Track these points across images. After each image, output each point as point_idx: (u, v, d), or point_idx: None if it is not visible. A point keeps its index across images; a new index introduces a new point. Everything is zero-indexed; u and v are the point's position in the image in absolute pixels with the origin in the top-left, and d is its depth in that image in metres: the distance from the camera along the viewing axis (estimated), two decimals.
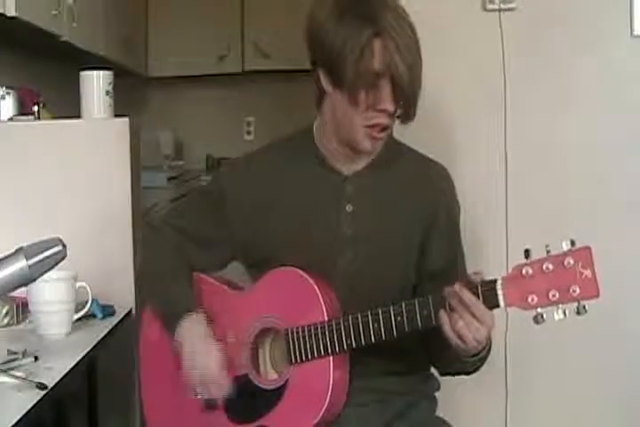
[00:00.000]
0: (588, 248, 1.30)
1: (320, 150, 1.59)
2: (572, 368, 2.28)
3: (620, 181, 2.24)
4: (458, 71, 2.24)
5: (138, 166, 2.32)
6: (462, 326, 1.35)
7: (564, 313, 1.30)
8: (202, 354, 1.54)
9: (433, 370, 1.69)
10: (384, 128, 1.49)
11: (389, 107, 1.44)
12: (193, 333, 1.55)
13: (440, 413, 1.68)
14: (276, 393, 1.50)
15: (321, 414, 1.44)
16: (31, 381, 1.46)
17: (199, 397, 1.57)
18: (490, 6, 2.22)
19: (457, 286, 1.35)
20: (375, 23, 1.41)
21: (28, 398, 1.40)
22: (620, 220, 2.24)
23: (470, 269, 1.67)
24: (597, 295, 1.29)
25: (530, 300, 1.31)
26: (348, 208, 1.58)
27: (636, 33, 2.18)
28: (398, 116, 1.49)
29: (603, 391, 2.27)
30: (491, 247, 2.22)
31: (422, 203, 1.60)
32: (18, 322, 1.94)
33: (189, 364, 1.55)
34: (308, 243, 1.57)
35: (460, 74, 2.24)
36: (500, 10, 2.21)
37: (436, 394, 1.70)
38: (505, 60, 2.21)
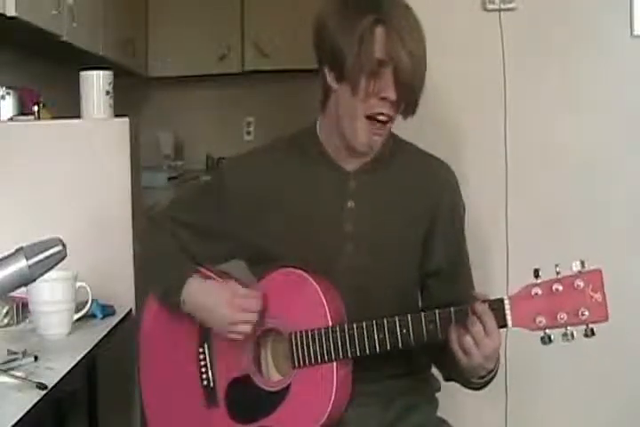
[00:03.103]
0: (598, 271, 1.30)
1: (323, 147, 1.59)
2: (571, 370, 2.27)
3: (620, 181, 2.24)
4: (458, 71, 2.23)
5: (138, 166, 2.32)
6: (469, 341, 1.34)
7: (572, 335, 1.30)
8: (215, 292, 1.51)
9: (434, 371, 1.69)
10: (385, 122, 1.48)
11: (391, 95, 1.43)
12: (198, 288, 1.54)
13: (441, 413, 1.68)
14: (279, 395, 1.50)
15: (325, 416, 1.44)
16: (31, 381, 1.46)
17: (241, 336, 1.51)
18: (490, 6, 2.22)
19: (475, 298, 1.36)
20: (377, 11, 1.41)
21: (28, 398, 1.40)
22: (620, 220, 2.24)
23: (472, 270, 1.68)
24: (606, 319, 1.29)
25: (538, 321, 1.31)
26: (350, 205, 1.57)
27: (635, 33, 2.18)
28: (400, 111, 1.48)
29: (602, 393, 2.27)
30: (491, 247, 2.22)
31: (425, 199, 1.60)
32: (18, 322, 1.94)
33: (210, 309, 1.51)
34: (310, 239, 1.56)
35: (460, 74, 2.24)
36: (499, 10, 2.21)
37: (437, 395, 1.70)
38: (505, 60, 2.21)
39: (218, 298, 1.50)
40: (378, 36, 1.41)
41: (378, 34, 1.41)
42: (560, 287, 1.29)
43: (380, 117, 1.47)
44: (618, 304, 2.14)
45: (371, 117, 1.47)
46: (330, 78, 1.49)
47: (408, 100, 1.46)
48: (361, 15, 1.42)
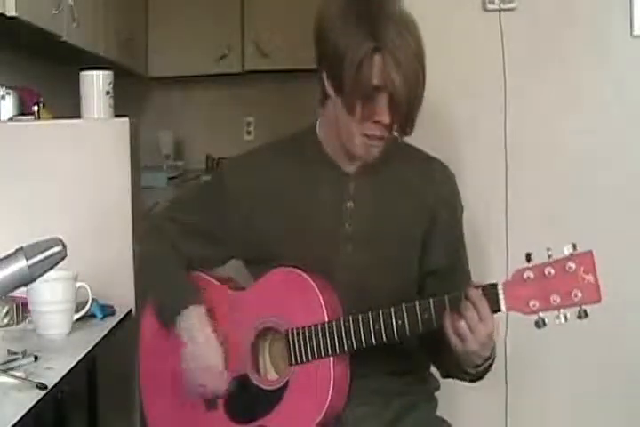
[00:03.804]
0: (590, 253, 1.30)
1: (323, 147, 1.60)
2: (572, 367, 2.28)
3: (620, 181, 2.24)
4: (458, 71, 2.24)
5: (138, 166, 2.32)
6: (463, 326, 1.35)
7: (565, 318, 1.30)
8: (202, 348, 1.54)
9: (433, 370, 1.69)
10: (380, 138, 1.49)
11: (385, 119, 1.44)
12: (193, 326, 1.55)
13: (440, 412, 1.69)
14: (277, 394, 1.50)
15: (322, 415, 1.44)
16: (31, 381, 1.46)
17: (195, 395, 1.57)
18: (490, 6, 2.22)
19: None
20: (377, 37, 1.40)
21: (28, 398, 1.40)
22: (620, 220, 2.24)
23: (470, 268, 1.69)
24: (599, 300, 1.29)
25: (531, 305, 1.31)
26: (349, 205, 1.58)
27: (635, 33, 2.18)
28: (396, 130, 1.49)
29: (603, 391, 2.27)
30: (491, 247, 2.22)
31: (424, 200, 1.60)
32: (18, 322, 1.94)
33: (189, 358, 1.54)
34: (309, 239, 1.57)
35: (460, 74, 2.24)
36: (500, 10, 2.21)
37: (436, 394, 1.70)
38: (505, 60, 2.21)
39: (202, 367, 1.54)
40: (376, 63, 1.40)
41: (376, 61, 1.40)
42: (552, 270, 1.30)
43: (374, 138, 1.48)
44: (619, 303, 2.15)
45: (366, 135, 1.48)
46: (328, 87, 1.49)
47: (402, 123, 1.47)
48: (362, 38, 1.40)
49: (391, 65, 1.40)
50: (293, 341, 1.48)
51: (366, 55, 1.40)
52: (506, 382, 2.25)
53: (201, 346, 1.54)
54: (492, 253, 2.21)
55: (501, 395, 2.27)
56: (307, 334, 1.47)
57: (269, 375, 1.56)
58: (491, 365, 1.50)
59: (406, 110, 1.44)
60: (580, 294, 1.29)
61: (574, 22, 2.22)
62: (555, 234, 2.20)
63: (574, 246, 1.30)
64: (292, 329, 1.49)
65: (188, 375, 1.56)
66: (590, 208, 2.24)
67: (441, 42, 2.15)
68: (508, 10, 2.21)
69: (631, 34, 2.19)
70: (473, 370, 1.48)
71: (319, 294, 1.47)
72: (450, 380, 1.65)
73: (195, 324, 1.55)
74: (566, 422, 2.30)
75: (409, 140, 1.67)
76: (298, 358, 1.48)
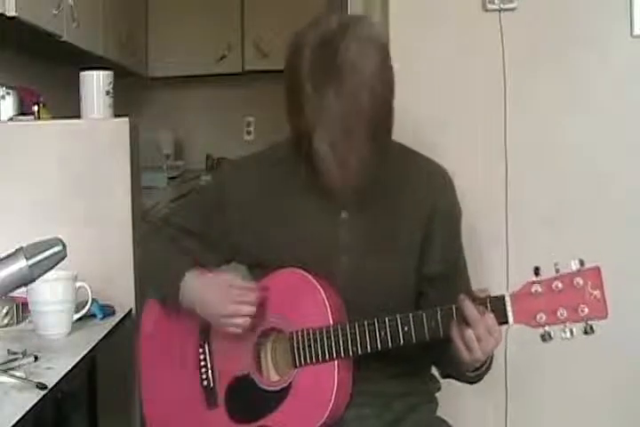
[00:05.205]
0: (597, 269, 1.31)
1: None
2: (571, 368, 2.27)
3: (620, 181, 2.24)
4: (458, 71, 2.23)
5: (138, 166, 2.32)
6: (471, 336, 1.35)
7: (571, 332, 1.31)
8: (209, 287, 1.52)
9: (434, 371, 1.69)
10: None
11: None
12: (197, 282, 1.54)
13: (440, 414, 1.68)
14: (279, 395, 1.50)
15: (325, 417, 1.44)
16: (31, 381, 1.46)
17: (238, 329, 1.52)
18: (490, 6, 2.21)
19: (467, 298, 1.37)
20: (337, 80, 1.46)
21: (28, 398, 1.40)
22: (619, 220, 2.24)
23: (470, 270, 1.68)
24: (606, 316, 1.31)
25: (538, 318, 1.33)
26: (344, 214, 1.57)
27: (635, 33, 2.18)
28: None
29: (603, 392, 2.27)
30: (490, 249, 2.22)
31: (421, 207, 1.58)
32: (18, 322, 1.94)
33: (211, 302, 1.51)
34: (305, 248, 1.56)
35: (459, 74, 2.24)
36: (500, 10, 2.21)
37: (437, 395, 1.70)
38: (505, 60, 2.21)
39: (213, 291, 1.51)
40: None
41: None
42: (560, 285, 1.31)
43: None
44: (620, 307, 2.14)
45: None
46: None
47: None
48: (324, 85, 1.51)
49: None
50: (297, 343, 1.48)
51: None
52: (506, 384, 2.25)
53: (209, 285, 1.52)
54: (492, 256, 2.21)
55: (501, 396, 2.27)
56: (311, 337, 1.47)
57: (272, 376, 1.56)
58: (488, 367, 1.50)
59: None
60: (586, 310, 1.30)
61: (574, 22, 2.21)
62: (555, 236, 2.21)
63: (581, 262, 1.31)
64: (297, 332, 1.49)
65: (215, 316, 1.51)
66: (590, 208, 2.24)
67: (441, 42, 2.15)
68: (508, 10, 2.21)
69: (631, 34, 2.19)
70: (471, 373, 1.49)
71: (324, 295, 1.47)
72: (451, 381, 1.65)
73: (195, 282, 1.55)
74: (566, 423, 2.30)
75: (408, 140, 1.67)
76: (302, 360, 1.48)
